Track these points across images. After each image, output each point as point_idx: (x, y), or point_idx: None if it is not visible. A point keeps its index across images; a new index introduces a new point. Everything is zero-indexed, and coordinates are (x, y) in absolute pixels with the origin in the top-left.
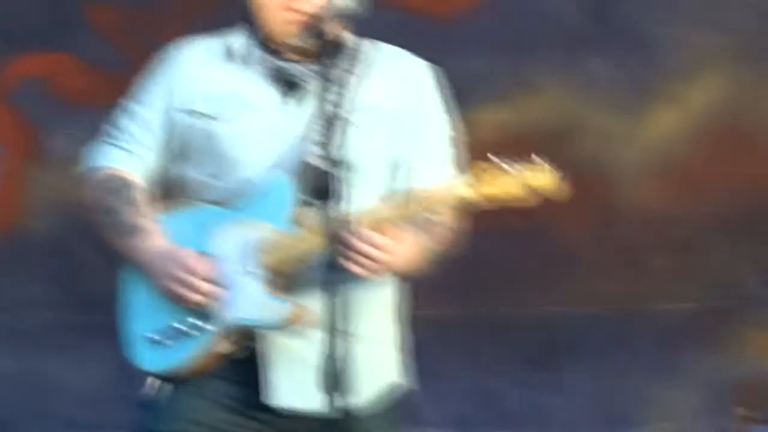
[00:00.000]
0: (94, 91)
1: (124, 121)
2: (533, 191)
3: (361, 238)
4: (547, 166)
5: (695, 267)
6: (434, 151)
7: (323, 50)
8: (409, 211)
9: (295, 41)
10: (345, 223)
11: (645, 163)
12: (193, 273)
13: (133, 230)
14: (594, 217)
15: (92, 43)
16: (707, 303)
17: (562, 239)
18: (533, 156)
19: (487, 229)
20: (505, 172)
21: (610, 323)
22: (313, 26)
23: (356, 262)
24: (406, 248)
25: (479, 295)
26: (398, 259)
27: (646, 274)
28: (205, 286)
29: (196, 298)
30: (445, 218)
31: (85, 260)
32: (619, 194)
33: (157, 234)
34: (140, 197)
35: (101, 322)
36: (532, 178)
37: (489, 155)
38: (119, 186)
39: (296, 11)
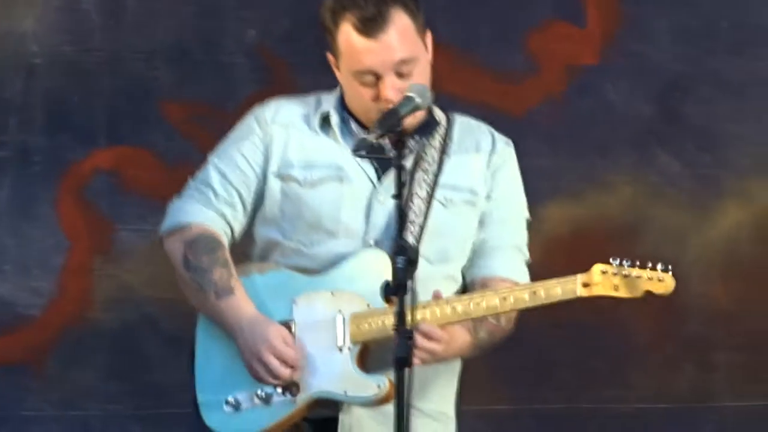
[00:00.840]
0: (164, 184)
1: (214, 179)
2: (649, 294)
3: (427, 334)
4: (669, 275)
5: (762, 365)
6: (512, 235)
7: (412, 131)
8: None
9: (372, 130)
10: (414, 313)
11: (712, 261)
12: (279, 357)
13: (224, 292)
14: (661, 314)
15: (164, 137)
16: None
17: (630, 335)
18: (660, 264)
19: (555, 324)
20: (628, 276)
21: (676, 421)
22: (387, 121)
23: (419, 352)
24: (462, 342)
25: (546, 390)
26: (452, 351)
27: (712, 372)
28: (288, 373)
29: (276, 382)
30: (511, 314)
31: (151, 353)
32: (686, 291)
33: (245, 299)
34: (230, 258)
35: (166, 414)
36: (653, 285)
37: (611, 259)
38: (213, 246)
39: (386, 101)
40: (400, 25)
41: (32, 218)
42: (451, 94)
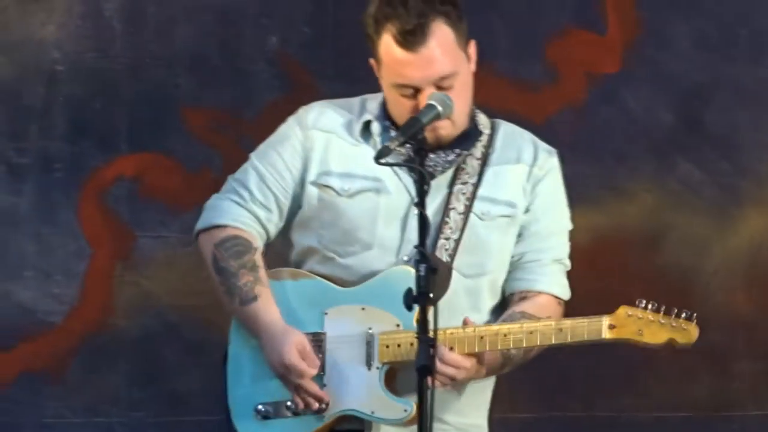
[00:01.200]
0: (184, 190)
1: (252, 181)
2: (673, 344)
3: (443, 360)
4: (693, 324)
5: None
6: (551, 248)
7: (457, 140)
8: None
9: (394, 138)
10: (437, 337)
11: (733, 269)
12: (295, 373)
13: (250, 299)
14: None
15: (185, 143)
16: None
17: None
18: (684, 312)
19: None
20: (654, 322)
21: (696, 429)
22: (409, 129)
23: (437, 375)
24: (493, 365)
25: (565, 398)
26: (478, 374)
27: (733, 380)
28: (315, 390)
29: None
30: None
31: (173, 360)
32: (707, 299)
33: (268, 306)
34: (261, 263)
35: (187, 422)
36: (677, 334)
37: (637, 302)
38: (242, 250)
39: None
40: (442, 38)
41: (54, 225)
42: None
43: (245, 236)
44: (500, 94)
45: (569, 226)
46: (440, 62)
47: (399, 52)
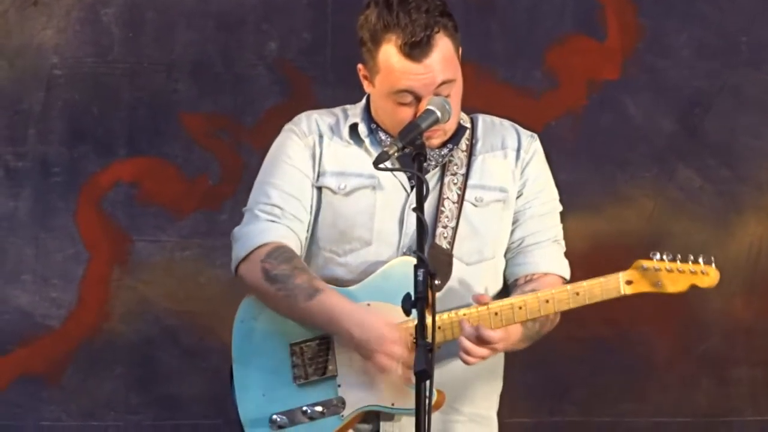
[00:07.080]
0: (182, 195)
1: (274, 196)
2: (694, 288)
3: (482, 339)
4: (713, 268)
5: None
6: (549, 229)
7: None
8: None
9: (393, 143)
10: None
11: (733, 275)
12: (396, 359)
13: (314, 292)
14: (681, 329)
15: (184, 149)
16: None
17: (649, 350)
18: (701, 257)
19: (573, 338)
20: (671, 272)
21: None
22: (408, 134)
23: (465, 354)
24: (518, 336)
25: (564, 403)
26: (504, 347)
27: (731, 386)
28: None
29: (403, 371)
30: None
31: (169, 364)
32: (706, 306)
33: (336, 293)
34: (306, 265)
35: (183, 426)
36: (698, 278)
37: (651, 254)
38: (290, 256)
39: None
40: (444, 49)
41: (52, 229)
42: (471, 109)
43: (289, 245)
44: (500, 100)
45: (559, 207)
46: (442, 71)
47: (403, 62)
